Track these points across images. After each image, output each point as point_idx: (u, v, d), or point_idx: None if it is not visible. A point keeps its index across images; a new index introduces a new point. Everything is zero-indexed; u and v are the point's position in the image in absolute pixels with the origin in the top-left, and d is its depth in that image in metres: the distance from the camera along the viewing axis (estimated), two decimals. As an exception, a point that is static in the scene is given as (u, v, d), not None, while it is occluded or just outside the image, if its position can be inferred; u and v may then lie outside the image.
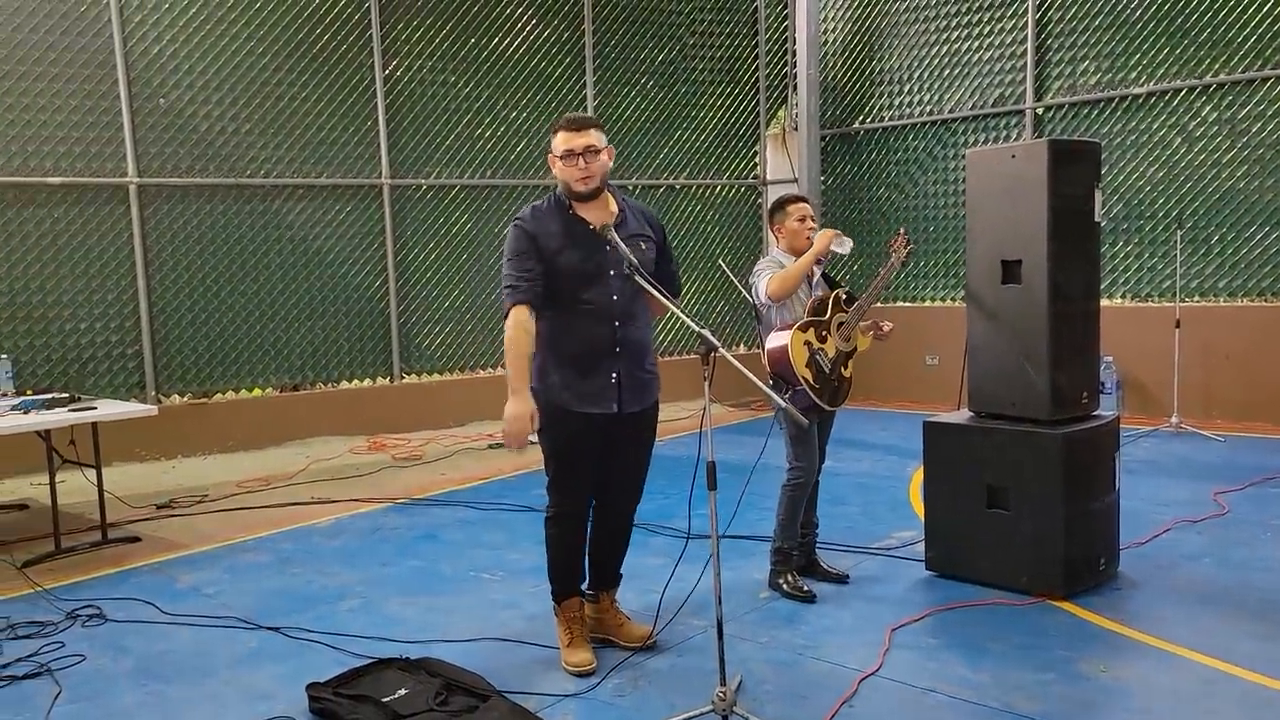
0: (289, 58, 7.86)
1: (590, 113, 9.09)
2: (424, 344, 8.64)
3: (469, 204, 8.75)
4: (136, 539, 5.34)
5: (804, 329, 4.05)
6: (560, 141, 3.30)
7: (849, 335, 4.14)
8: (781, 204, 4.22)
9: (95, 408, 5.32)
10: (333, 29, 8.01)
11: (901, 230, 4.32)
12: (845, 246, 4.04)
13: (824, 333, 4.09)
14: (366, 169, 8.25)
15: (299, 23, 7.88)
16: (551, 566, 3.55)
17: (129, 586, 4.54)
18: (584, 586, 3.66)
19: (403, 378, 8.51)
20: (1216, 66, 7.63)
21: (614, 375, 3.34)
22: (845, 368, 4.16)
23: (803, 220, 4.14)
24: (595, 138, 3.30)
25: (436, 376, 8.74)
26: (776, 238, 4.22)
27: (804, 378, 3.98)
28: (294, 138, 7.93)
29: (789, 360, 3.96)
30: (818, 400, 4.02)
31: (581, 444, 3.38)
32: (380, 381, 8.44)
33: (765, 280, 4.04)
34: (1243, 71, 7.49)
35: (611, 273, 3.31)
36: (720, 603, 2.91)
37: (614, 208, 3.40)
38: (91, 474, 5.28)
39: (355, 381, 8.36)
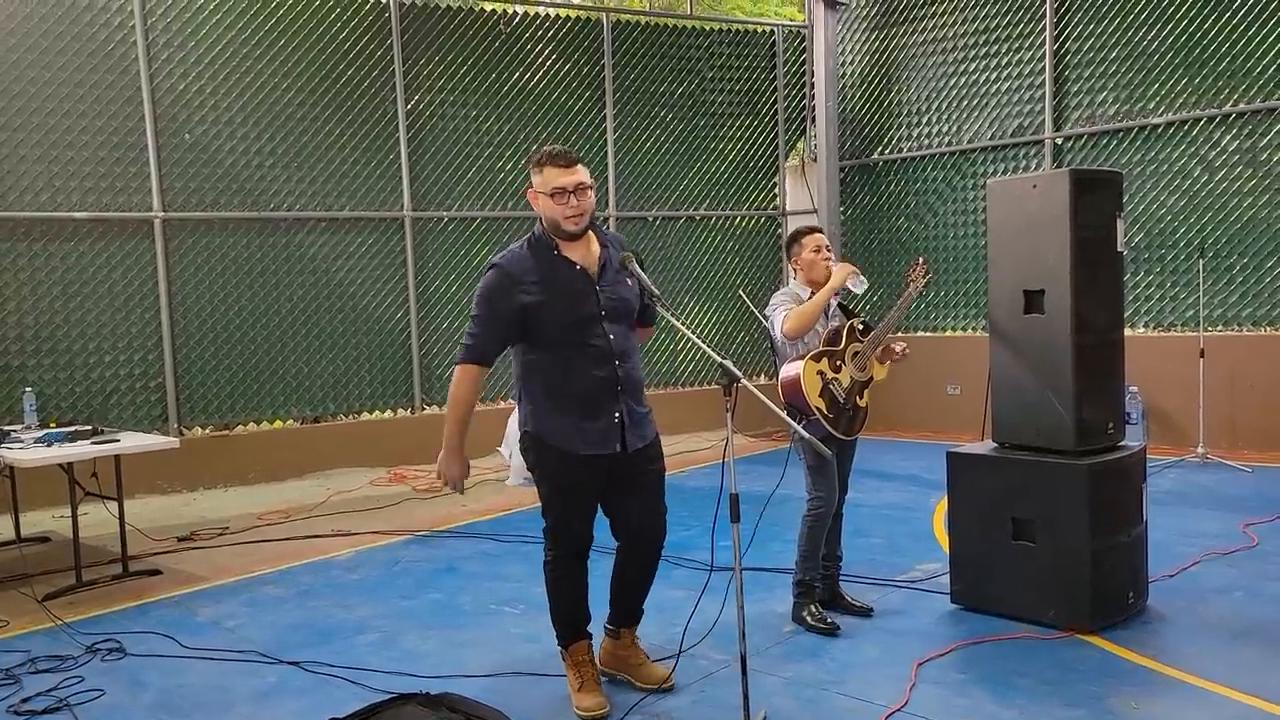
0: (312, 93, 7.97)
1: (610, 145, 9.16)
2: (445, 375, 8.65)
3: (490, 236, 8.81)
4: (157, 572, 5.35)
5: (816, 359, 4.03)
6: (549, 178, 3.19)
7: (864, 365, 4.12)
8: (796, 236, 4.22)
9: (118, 440, 5.35)
10: (356, 64, 8.13)
11: (920, 259, 4.31)
12: (860, 286, 4.05)
13: (838, 362, 4.07)
14: (389, 202, 8.33)
15: (323, 58, 8.00)
16: (555, 611, 3.47)
17: (149, 620, 4.54)
18: (605, 622, 3.62)
19: (424, 409, 8.52)
20: (1235, 96, 7.60)
21: (616, 415, 3.28)
22: (861, 397, 4.13)
23: (818, 250, 4.12)
24: (583, 174, 3.22)
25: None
26: (794, 270, 4.21)
27: (818, 408, 3.97)
28: (316, 171, 8.02)
29: (802, 391, 3.95)
30: (832, 430, 4.00)
31: (584, 489, 3.31)
32: (401, 413, 8.46)
33: (781, 317, 4.02)
34: (1262, 101, 7.47)
35: (603, 312, 3.25)
36: (744, 637, 2.88)
37: (595, 245, 3.33)
38: (113, 506, 5.30)
39: (376, 413, 8.38)
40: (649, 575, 3.58)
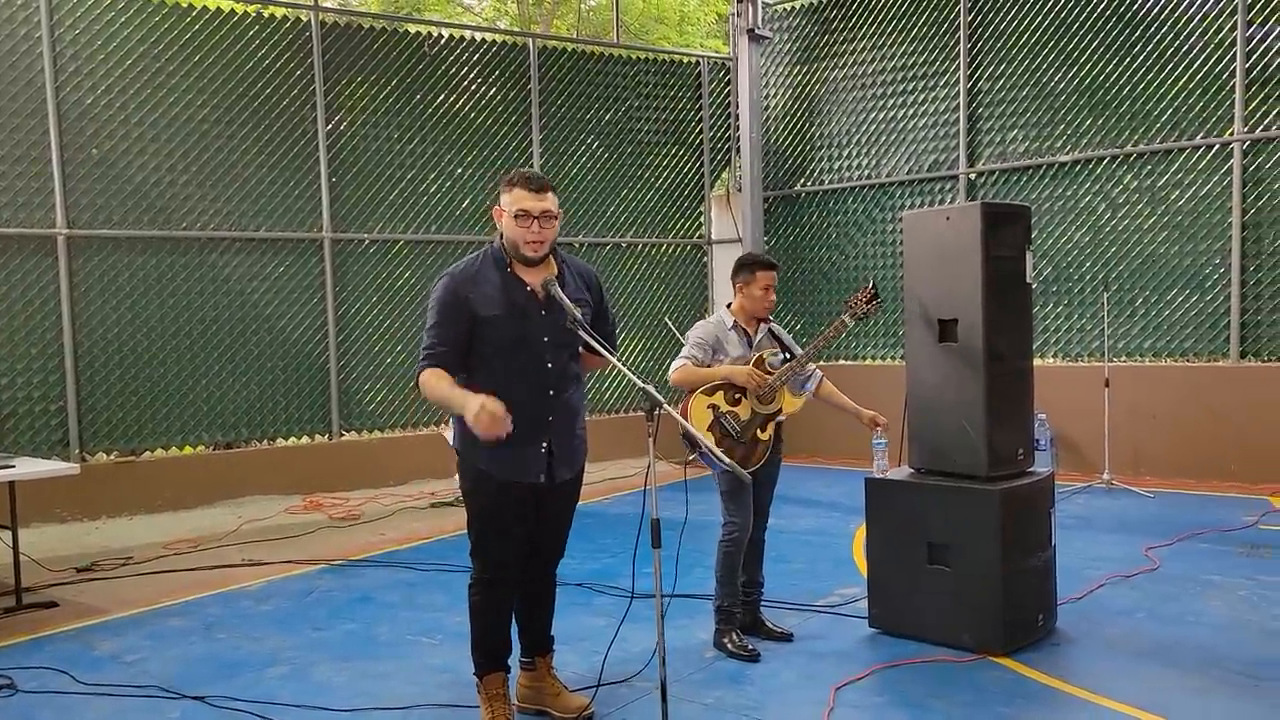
0: (228, 110, 7.79)
1: (537, 170, 9.13)
2: (364, 401, 8.49)
3: (413, 259, 8.70)
4: (53, 604, 5.10)
5: (710, 392, 4.04)
6: (516, 200, 3.14)
7: (771, 398, 4.11)
8: (751, 266, 4.15)
9: (13, 466, 5.11)
10: (275, 82, 7.97)
11: (870, 283, 4.25)
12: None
13: (737, 396, 4.07)
14: (307, 223, 8.16)
15: (240, 75, 7.82)
16: (475, 637, 3.40)
17: (43, 655, 4.32)
18: (520, 656, 3.56)
19: (342, 435, 8.33)
20: (1136, 137, 7.97)
21: (545, 445, 3.24)
22: (762, 430, 4.11)
23: (766, 290, 4.13)
24: (552, 202, 3.18)
25: (377, 434, 8.58)
26: (735, 293, 4.21)
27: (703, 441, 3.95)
28: (232, 190, 7.82)
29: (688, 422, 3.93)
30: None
31: (508, 511, 3.27)
32: (318, 439, 8.25)
33: (681, 361, 4.06)
34: (1160, 142, 7.84)
35: (546, 339, 3.20)
36: (664, 664, 2.86)
37: (554, 269, 3.29)
38: (7, 536, 5.05)
39: (292, 439, 8.15)
40: (549, 599, 3.57)
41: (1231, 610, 4.49)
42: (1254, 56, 7.44)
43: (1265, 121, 7.42)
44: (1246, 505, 6.71)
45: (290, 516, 7.32)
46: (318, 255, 8.21)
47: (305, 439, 8.21)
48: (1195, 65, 7.69)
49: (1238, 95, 7.48)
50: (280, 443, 8.10)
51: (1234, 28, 7.48)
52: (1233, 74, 7.51)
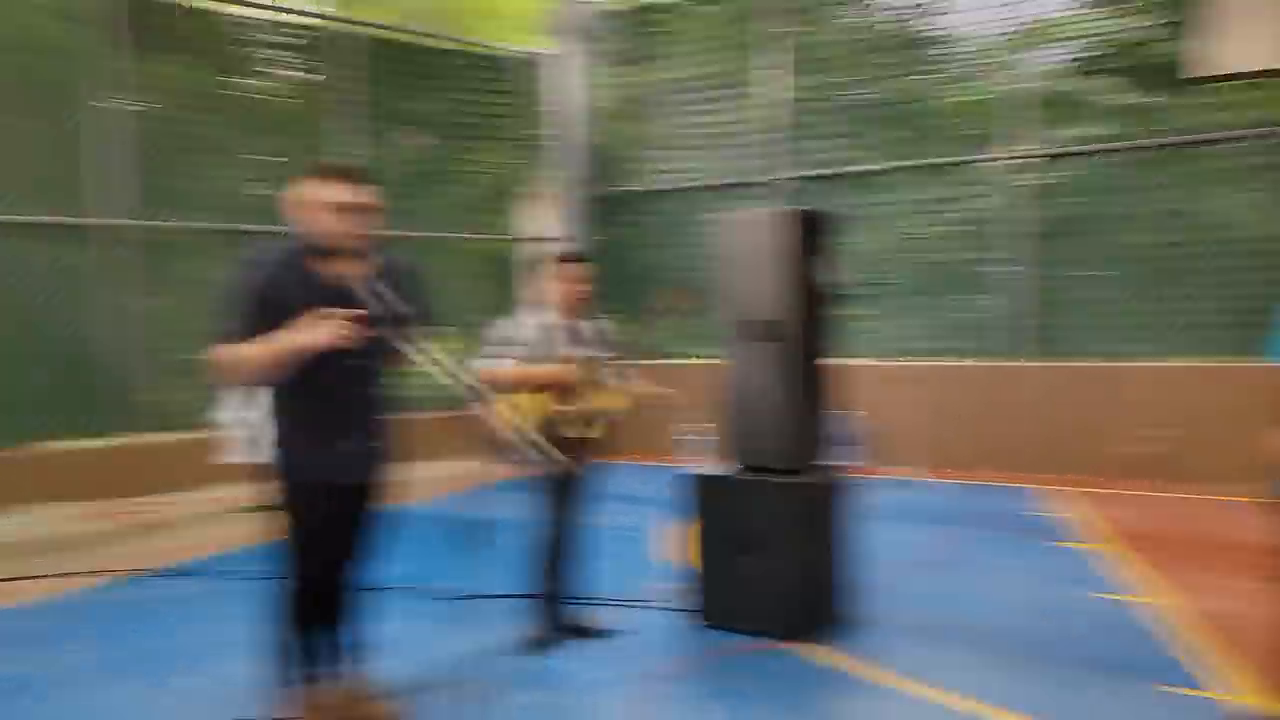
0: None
1: (350, 161, 8.78)
2: (154, 399, 7.86)
3: (210, 249, 8.12)
4: None
5: (529, 390, 4.00)
6: (333, 192, 3.04)
7: (590, 396, 4.08)
8: (558, 261, 4.19)
9: None
10: (40, 52, 7.23)
11: (686, 284, 4.28)
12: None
13: (556, 394, 4.03)
14: (85, 208, 7.47)
15: (17, 44, 7.08)
16: (280, 648, 3.24)
17: None
18: (328, 665, 3.38)
19: (132, 437, 7.69)
20: (939, 149, 8.52)
21: (356, 443, 3.15)
22: (581, 428, 4.09)
23: (574, 283, 4.11)
24: (368, 195, 3.09)
25: (167, 435, 7.97)
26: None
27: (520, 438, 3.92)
28: (-2, 170, 7.07)
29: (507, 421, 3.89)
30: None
31: (321, 515, 3.15)
32: (102, 442, 7.58)
33: (499, 360, 4.00)
34: (962, 154, 8.42)
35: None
36: (479, 667, 2.78)
37: (369, 263, 3.17)
38: None
39: (68, 442, 7.44)
40: (359, 604, 3.42)
41: (1014, 592, 4.82)
42: (1049, 77, 8.07)
43: (1058, 137, 8.07)
44: (1036, 494, 7.25)
45: (70, 526, 6.70)
46: (100, 244, 7.54)
47: (84, 442, 7.51)
48: (996, 82, 8.28)
49: (1034, 113, 8.10)
50: (54, 446, 7.37)
51: (1031, 49, 8.10)
52: (1030, 92, 8.12)
